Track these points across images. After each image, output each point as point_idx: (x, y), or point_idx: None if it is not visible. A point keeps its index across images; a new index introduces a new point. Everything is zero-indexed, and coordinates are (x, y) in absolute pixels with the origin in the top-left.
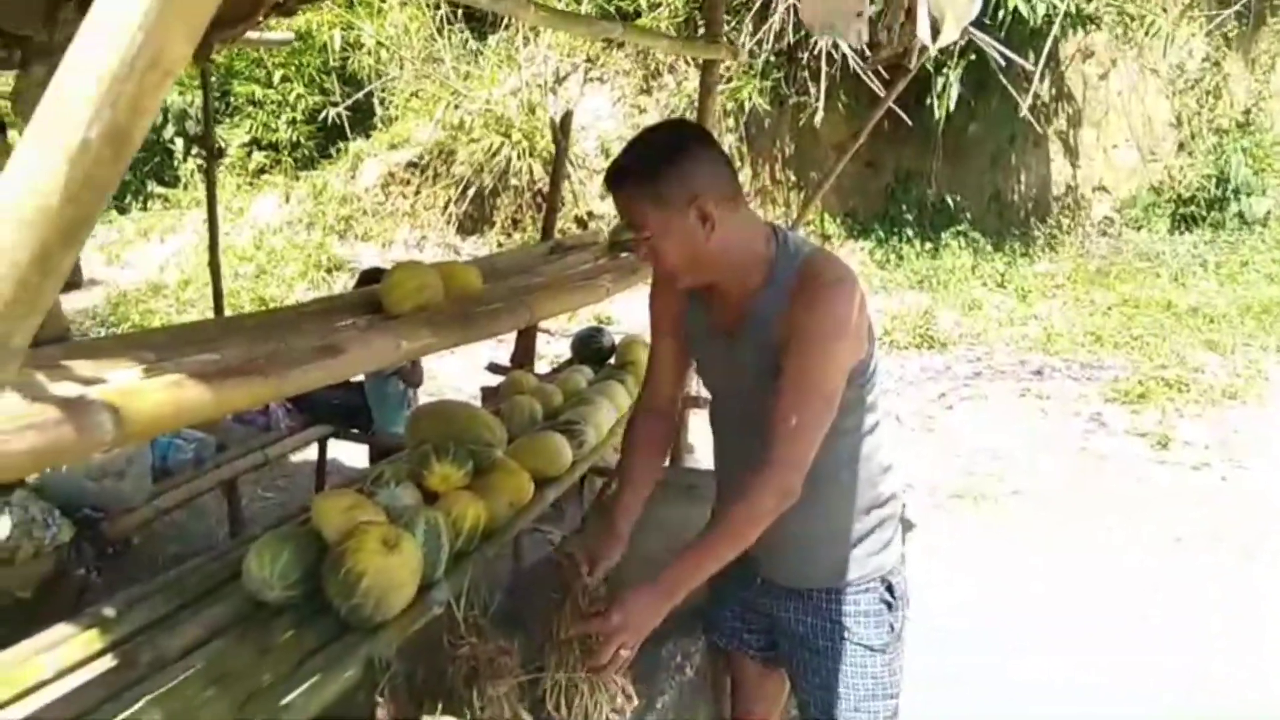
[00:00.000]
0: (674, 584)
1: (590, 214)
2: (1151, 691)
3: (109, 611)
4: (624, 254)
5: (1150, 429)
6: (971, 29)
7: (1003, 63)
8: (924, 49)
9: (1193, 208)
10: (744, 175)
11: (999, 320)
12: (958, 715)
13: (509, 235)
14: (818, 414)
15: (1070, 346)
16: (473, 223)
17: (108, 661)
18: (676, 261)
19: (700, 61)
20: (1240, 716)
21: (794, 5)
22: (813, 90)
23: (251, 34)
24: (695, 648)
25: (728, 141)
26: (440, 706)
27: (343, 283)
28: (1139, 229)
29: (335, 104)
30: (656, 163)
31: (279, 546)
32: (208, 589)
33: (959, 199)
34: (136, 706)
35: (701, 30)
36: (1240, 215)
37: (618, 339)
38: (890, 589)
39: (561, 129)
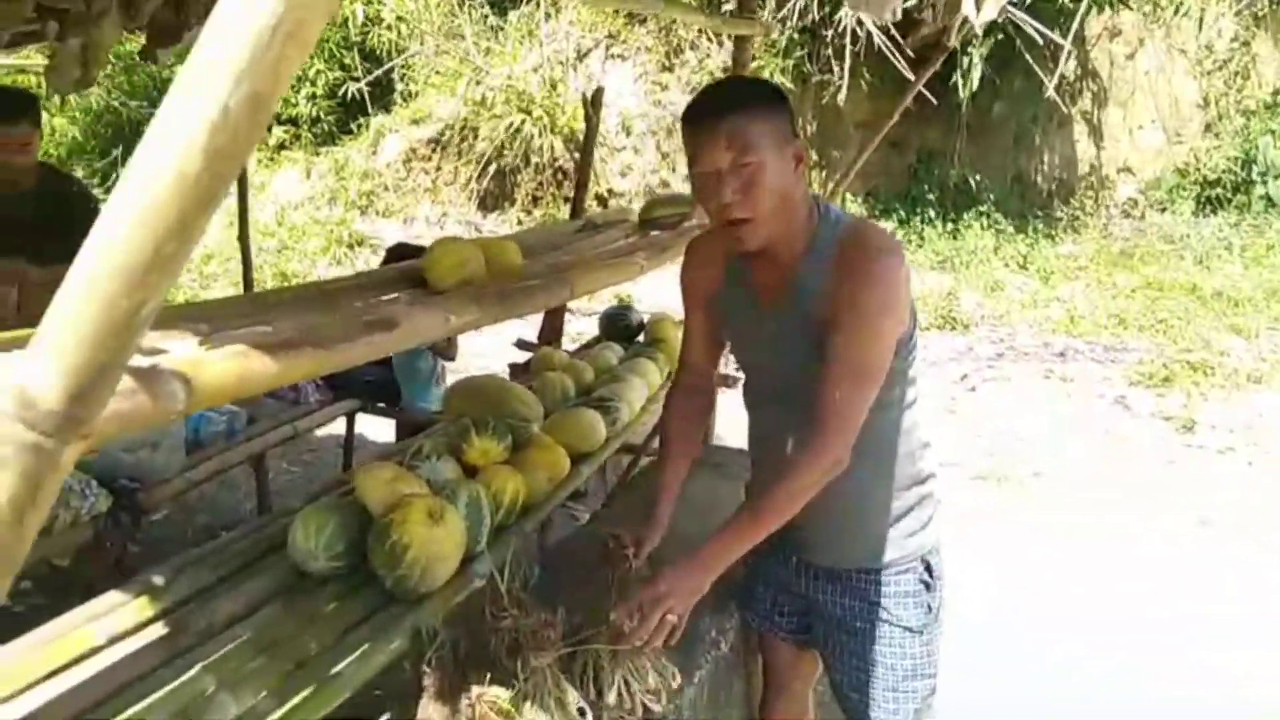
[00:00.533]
0: (717, 555)
1: (611, 191)
2: (1167, 682)
3: (158, 580)
4: (655, 232)
5: (1175, 412)
6: (1007, 6)
7: (1039, 40)
8: (964, 23)
9: (1218, 190)
10: None
11: (1022, 302)
12: (976, 702)
13: (529, 212)
14: (865, 388)
15: (1094, 329)
16: (494, 199)
17: (158, 630)
18: (769, 197)
19: (723, 38)
20: (1258, 712)
21: None
22: (836, 68)
23: None
24: (730, 624)
25: None
26: (488, 677)
27: (364, 258)
28: (1163, 211)
29: (356, 79)
30: (769, 94)
31: (324, 518)
32: (252, 559)
33: (982, 179)
34: (190, 674)
35: (729, 6)
36: (1267, 198)
37: (644, 318)
38: (929, 569)
39: (592, 105)
